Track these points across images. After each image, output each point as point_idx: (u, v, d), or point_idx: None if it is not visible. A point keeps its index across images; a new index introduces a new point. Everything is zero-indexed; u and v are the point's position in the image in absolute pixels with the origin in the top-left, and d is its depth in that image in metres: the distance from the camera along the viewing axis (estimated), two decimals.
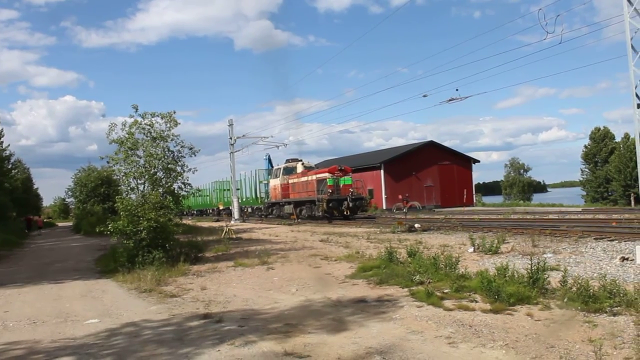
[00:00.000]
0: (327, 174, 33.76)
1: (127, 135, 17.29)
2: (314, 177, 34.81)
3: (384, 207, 48.29)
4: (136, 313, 9.11)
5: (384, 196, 50.19)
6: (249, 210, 48.59)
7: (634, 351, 5.60)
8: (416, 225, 22.59)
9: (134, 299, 10.64)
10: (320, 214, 33.15)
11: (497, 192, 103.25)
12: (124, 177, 17.81)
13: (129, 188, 17.64)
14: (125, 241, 15.02)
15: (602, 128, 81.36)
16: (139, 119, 17.35)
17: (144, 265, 13.52)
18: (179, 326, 7.96)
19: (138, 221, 14.58)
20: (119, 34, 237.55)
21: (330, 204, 32.39)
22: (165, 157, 17.61)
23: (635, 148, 11.83)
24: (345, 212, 32.80)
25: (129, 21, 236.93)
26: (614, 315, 7.11)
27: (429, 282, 9.45)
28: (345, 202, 32.58)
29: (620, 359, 5.48)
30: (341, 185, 33.46)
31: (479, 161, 59.11)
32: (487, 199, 71.83)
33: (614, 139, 78.62)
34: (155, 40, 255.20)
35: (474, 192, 56.77)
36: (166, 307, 9.52)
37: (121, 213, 14.97)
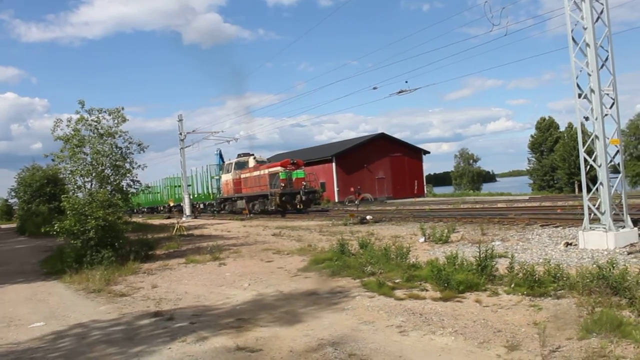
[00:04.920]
0: (279, 168, 33.62)
1: (73, 132, 16.81)
2: (267, 171, 34.60)
3: (336, 200, 48.49)
4: (84, 314, 8.90)
5: (336, 189, 50.39)
6: (201, 206, 48.01)
7: (576, 331, 5.81)
8: (368, 217, 22.78)
9: (82, 299, 10.39)
10: (273, 208, 32.98)
11: (448, 183, 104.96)
12: (70, 175, 17.34)
13: (75, 186, 17.16)
14: (72, 241, 14.62)
15: (547, 118, 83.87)
16: (86, 115, 16.90)
17: (93, 265, 13.20)
18: (129, 325, 7.82)
19: (85, 220, 14.21)
20: (61, 28, 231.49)
21: (283, 198, 32.28)
22: (113, 154, 17.21)
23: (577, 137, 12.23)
24: (298, 206, 32.74)
25: (71, 14, 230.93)
26: (558, 298, 7.37)
27: (381, 273, 9.56)
28: (298, 196, 32.51)
29: (563, 340, 5.67)
30: (294, 179, 33.38)
31: (429, 152, 60.07)
32: (437, 190, 73.03)
33: (558, 128, 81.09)
34: (101, 34, 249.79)
35: (424, 183, 57.59)
36: (116, 306, 9.33)
37: (68, 212, 14.57)
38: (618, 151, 12.24)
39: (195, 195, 47.79)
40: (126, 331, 7.47)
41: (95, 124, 16.90)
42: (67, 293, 11.31)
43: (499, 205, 27.66)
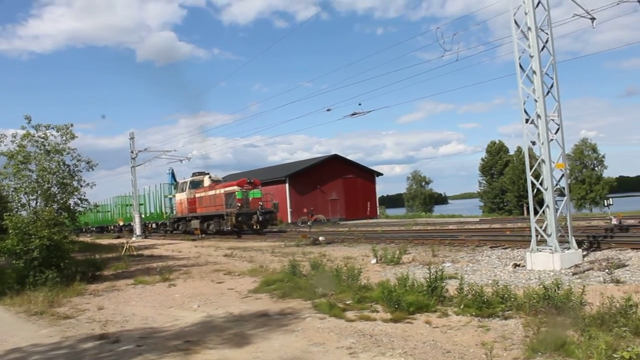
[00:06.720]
0: (236, 187, 33.00)
1: (17, 148, 16.35)
2: (222, 190, 34.01)
3: (289, 221, 48.25)
4: (24, 338, 8.52)
5: (289, 210, 50.14)
6: (154, 225, 47.02)
7: (522, 351, 5.90)
8: (320, 238, 22.80)
9: (22, 323, 9.97)
10: (229, 228, 32.48)
11: (400, 205, 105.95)
12: (13, 193, 16.80)
13: (19, 204, 16.64)
14: (14, 261, 14.07)
15: (497, 142, 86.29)
16: (32, 131, 16.46)
17: (36, 286, 12.70)
18: (72, 349, 7.55)
19: (29, 239, 13.70)
20: (8, 40, 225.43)
21: (240, 218, 31.64)
22: (61, 171, 16.76)
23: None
24: (255, 227, 32.19)
25: (20, 27, 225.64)
26: (506, 319, 7.49)
27: (332, 294, 9.52)
28: (255, 216, 31.97)
29: None
30: (250, 199, 32.74)
31: (382, 174, 60.62)
32: (390, 211, 73.63)
33: (508, 152, 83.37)
34: (51, 48, 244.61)
35: (377, 205, 57.97)
36: (59, 329, 8.99)
37: (10, 231, 14.04)
38: (563, 175, 12.64)
39: (148, 215, 46.84)
40: (68, 355, 7.21)
41: (42, 140, 16.47)
42: (6, 316, 10.83)
43: (450, 227, 28.04)
